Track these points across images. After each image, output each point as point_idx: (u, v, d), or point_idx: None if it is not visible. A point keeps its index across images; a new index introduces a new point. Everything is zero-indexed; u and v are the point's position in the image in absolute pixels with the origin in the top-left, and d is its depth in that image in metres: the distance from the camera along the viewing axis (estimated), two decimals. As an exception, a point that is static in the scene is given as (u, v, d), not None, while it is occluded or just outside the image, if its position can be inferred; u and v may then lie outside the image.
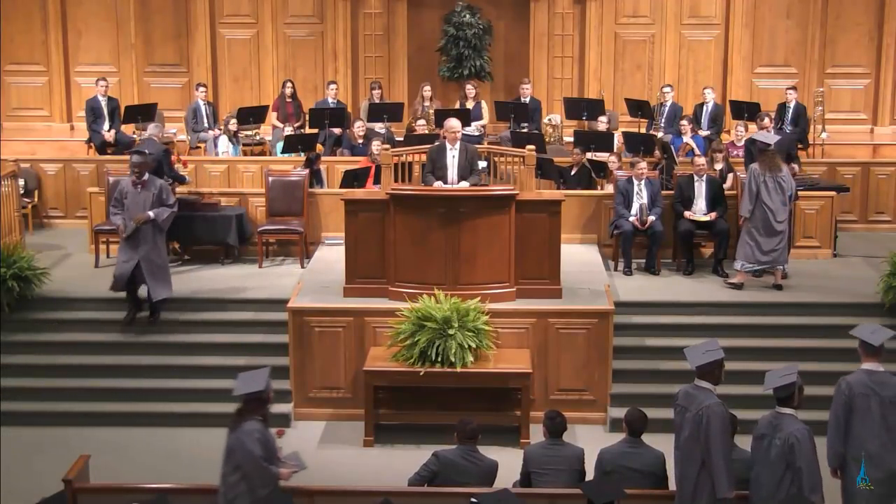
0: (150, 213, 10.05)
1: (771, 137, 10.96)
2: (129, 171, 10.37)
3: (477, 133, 14.03)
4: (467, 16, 14.92)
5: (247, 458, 6.44)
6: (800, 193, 11.50)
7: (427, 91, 14.38)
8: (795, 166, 11.48)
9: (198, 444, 9.17)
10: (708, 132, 14.09)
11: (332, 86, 14.62)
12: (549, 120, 14.26)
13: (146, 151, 10.59)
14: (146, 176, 10.21)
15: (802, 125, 13.85)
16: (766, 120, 11.20)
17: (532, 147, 10.78)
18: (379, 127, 13.76)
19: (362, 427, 9.19)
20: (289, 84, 14.67)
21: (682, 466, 6.65)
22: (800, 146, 13.48)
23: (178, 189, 11.84)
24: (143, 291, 10.23)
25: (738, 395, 9.21)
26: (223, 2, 15.51)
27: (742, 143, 13.24)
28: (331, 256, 11.07)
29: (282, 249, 12.03)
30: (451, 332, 9.04)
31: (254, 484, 6.46)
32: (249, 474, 6.46)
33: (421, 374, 9.05)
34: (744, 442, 7.16)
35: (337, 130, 13.96)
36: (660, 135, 13.71)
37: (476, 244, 9.63)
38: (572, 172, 12.47)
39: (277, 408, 9.58)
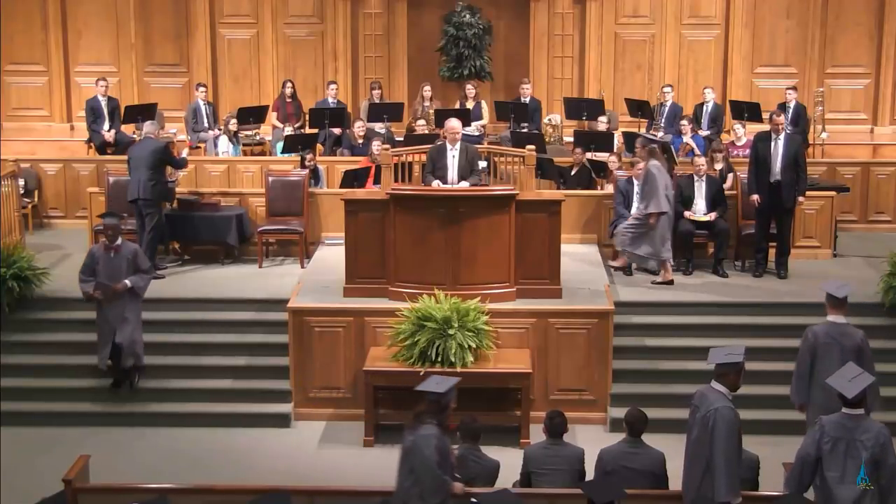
0: (127, 282, 9.41)
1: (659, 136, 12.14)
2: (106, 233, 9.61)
3: (477, 133, 14.02)
4: (467, 16, 14.92)
5: (423, 463, 6.40)
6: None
7: (427, 91, 14.38)
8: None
9: (198, 444, 9.17)
10: (708, 132, 14.08)
11: (332, 86, 14.62)
12: (549, 120, 14.26)
13: (122, 215, 10.05)
14: (119, 240, 9.53)
15: (802, 125, 13.85)
16: (781, 117, 11.22)
17: (532, 147, 10.78)
18: (379, 127, 13.76)
19: (362, 427, 9.19)
20: (289, 84, 14.67)
21: (689, 467, 6.65)
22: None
23: (178, 189, 11.86)
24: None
25: (738, 395, 9.20)
26: (223, 2, 15.51)
27: (742, 142, 13.28)
28: (331, 256, 11.07)
29: (282, 249, 12.02)
30: (451, 332, 9.04)
31: (425, 491, 6.40)
32: (422, 480, 6.41)
33: (421, 374, 9.02)
34: (748, 442, 7.17)
35: (337, 130, 13.96)
36: (660, 135, 13.71)
37: (476, 244, 9.63)
38: (572, 172, 12.47)
39: (277, 408, 9.63)
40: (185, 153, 12.12)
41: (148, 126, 11.74)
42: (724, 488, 6.37)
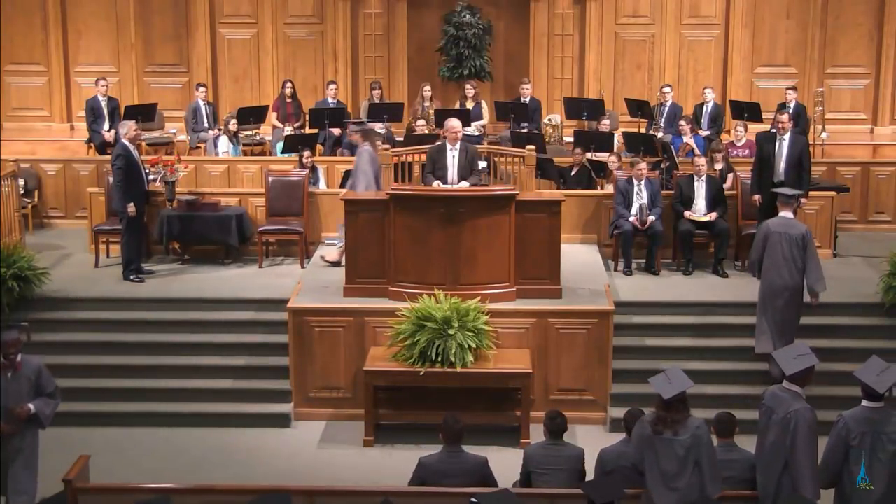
0: (31, 407, 7.36)
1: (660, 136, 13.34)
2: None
3: (477, 133, 14.03)
4: (467, 16, 14.92)
5: (710, 455, 6.47)
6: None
7: (427, 91, 14.38)
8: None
9: (198, 444, 9.17)
10: (708, 132, 14.09)
11: (332, 86, 14.62)
12: (549, 120, 14.27)
13: (25, 325, 8.08)
14: (19, 357, 7.40)
15: (802, 125, 13.84)
16: (785, 116, 11.22)
17: (532, 147, 10.78)
18: (379, 127, 13.76)
19: (362, 427, 9.18)
20: (289, 84, 14.67)
21: (766, 468, 6.66)
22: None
23: (178, 189, 11.82)
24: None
25: (738, 394, 9.24)
26: (223, 2, 15.52)
27: (742, 142, 13.29)
28: (331, 256, 11.06)
29: (282, 249, 12.02)
30: (451, 332, 9.03)
31: (709, 482, 6.45)
32: (708, 471, 6.45)
33: (421, 374, 9.05)
34: (743, 442, 7.18)
35: (337, 130, 13.96)
36: (660, 135, 13.71)
37: (476, 244, 9.63)
38: (572, 172, 12.47)
39: (277, 408, 9.63)
40: (157, 174, 11.43)
41: (119, 128, 11.42)
42: (809, 486, 6.39)
